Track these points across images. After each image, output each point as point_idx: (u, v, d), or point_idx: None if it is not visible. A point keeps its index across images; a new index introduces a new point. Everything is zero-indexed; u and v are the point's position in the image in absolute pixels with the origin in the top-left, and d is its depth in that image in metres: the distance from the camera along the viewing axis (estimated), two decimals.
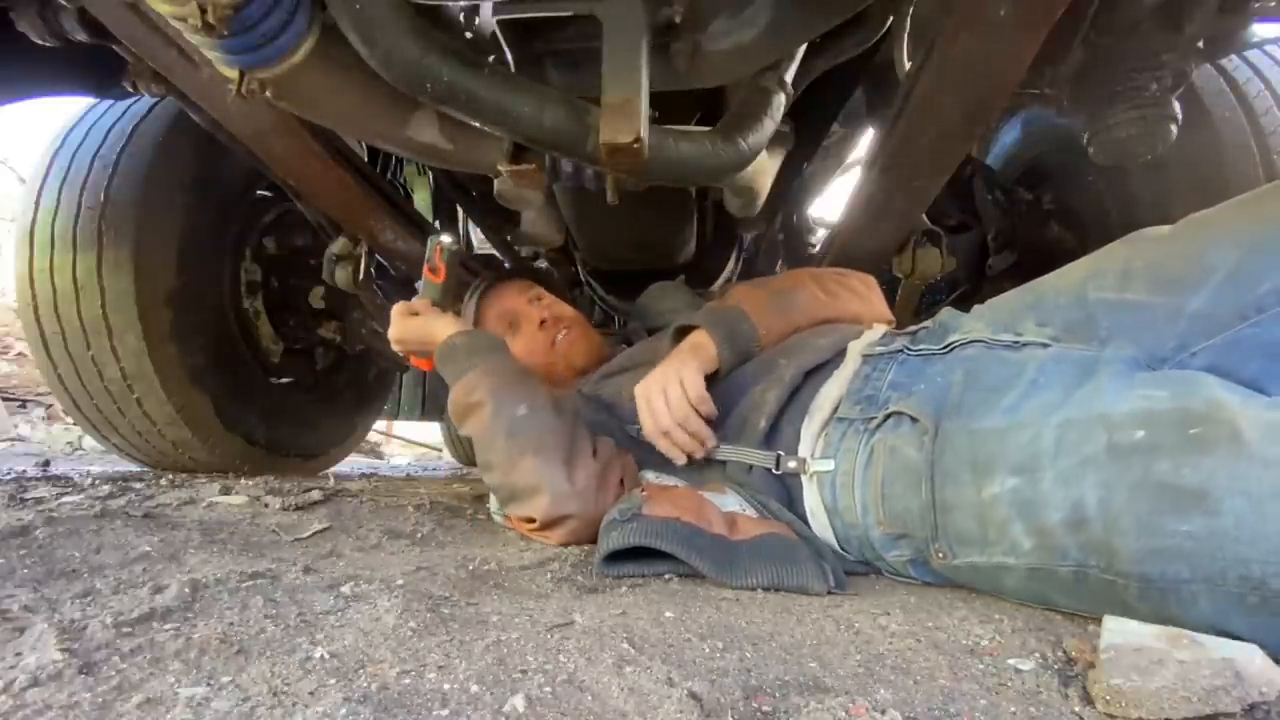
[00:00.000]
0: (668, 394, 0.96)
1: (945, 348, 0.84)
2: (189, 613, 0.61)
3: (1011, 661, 0.55)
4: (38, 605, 0.61)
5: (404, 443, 6.52)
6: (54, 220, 1.42)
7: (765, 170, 1.44)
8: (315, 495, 1.24)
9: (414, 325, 1.14)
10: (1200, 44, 0.99)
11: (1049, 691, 0.50)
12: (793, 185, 1.64)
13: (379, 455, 5.68)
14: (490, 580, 0.77)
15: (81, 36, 1.02)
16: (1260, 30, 1.10)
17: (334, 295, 1.80)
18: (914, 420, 0.77)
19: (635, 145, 0.80)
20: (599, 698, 0.46)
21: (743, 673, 0.51)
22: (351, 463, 3.25)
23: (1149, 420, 0.58)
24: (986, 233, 1.64)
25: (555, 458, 0.94)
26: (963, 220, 1.65)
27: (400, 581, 0.72)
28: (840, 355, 0.96)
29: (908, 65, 0.97)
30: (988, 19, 0.78)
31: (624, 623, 0.60)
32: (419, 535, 1.01)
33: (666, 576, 0.79)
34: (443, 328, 1.11)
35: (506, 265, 2.02)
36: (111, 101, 1.49)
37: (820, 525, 0.86)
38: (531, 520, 0.96)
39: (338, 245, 1.58)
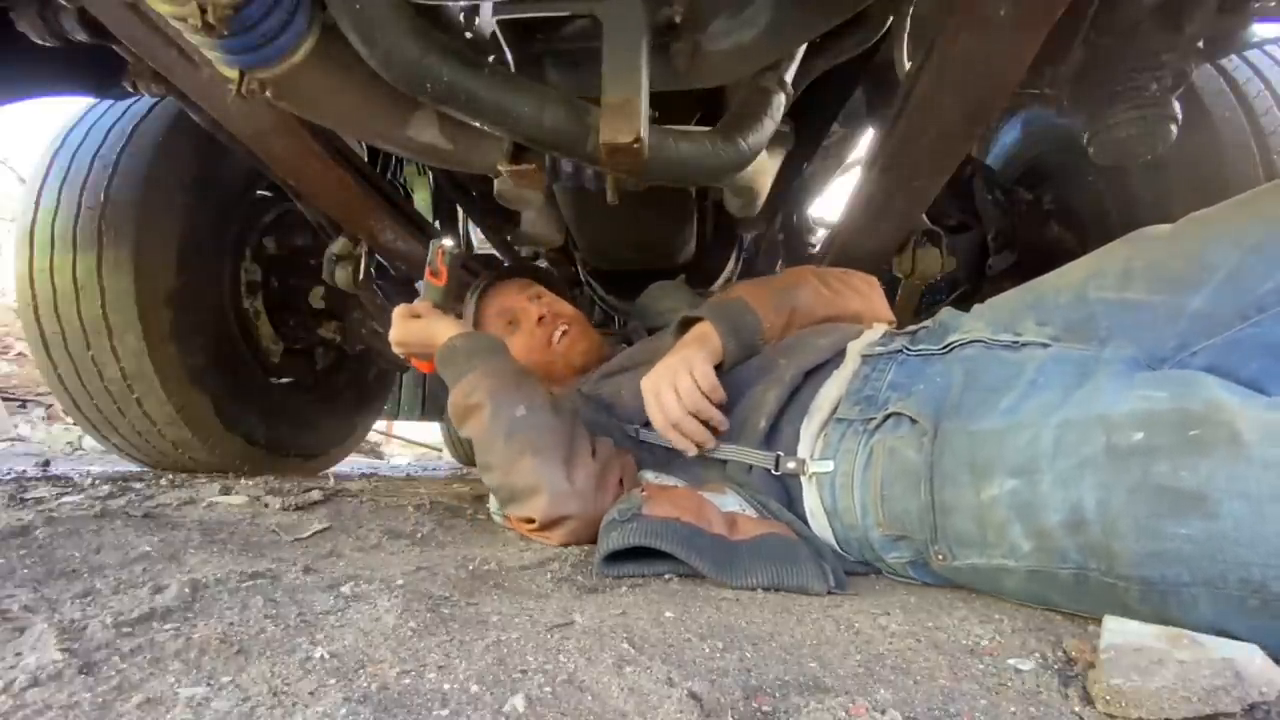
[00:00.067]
0: (678, 384, 0.96)
1: (945, 348, 0.84)
2: (189, 613, 0.61)
3: (1011, 661, 0.55)
4: (38, 605, 0.61)
5: (404, 443, 6.52)
6: (54, 220, 1.42)
7: (765, 170, 1.44)
8: (315, 495, 1.24)
9: (415, 328, 1.14)
10: (1200, 44, 0.99)
11: (1049, 691, 0.50)
12: (793, 185, 1.64)
13: (379, 455, 5.68)
14: (490, 580, 0.77)
15: (81, 36, 1.02)
16: (1260, 30, 1.10)
17: (334, 295, 1.80)
18: (913, 421, 0.77)
19: (635, 145, 0.80)
20: (599, 698, 0.46)
21: (743, 673, 0.51)
22: (351, 463, 3.25)
23: (1148, 421, 0.58)
24: (986, 233, 1.64)
25: (554, 458, 0.94)
26: (963, 220, 1.65)
27: (400, 581, 0.72)
28: (840, 355, 0.96)
29: (908, 65, 0.97)
30: (988, 19, 0.78)
31: (624, 623, 0.60)
32: (419, 535, 1.01)
33: (666, 576, 0.79)
34: (444, 330, 1.11)
35: (507, 265, 2.02)
36: (111, 101, 1.49)
37: (820, 526, 0.86)
38: (531, 521, 0.96)
39: (338, 245, 1.58)
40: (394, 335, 1.15)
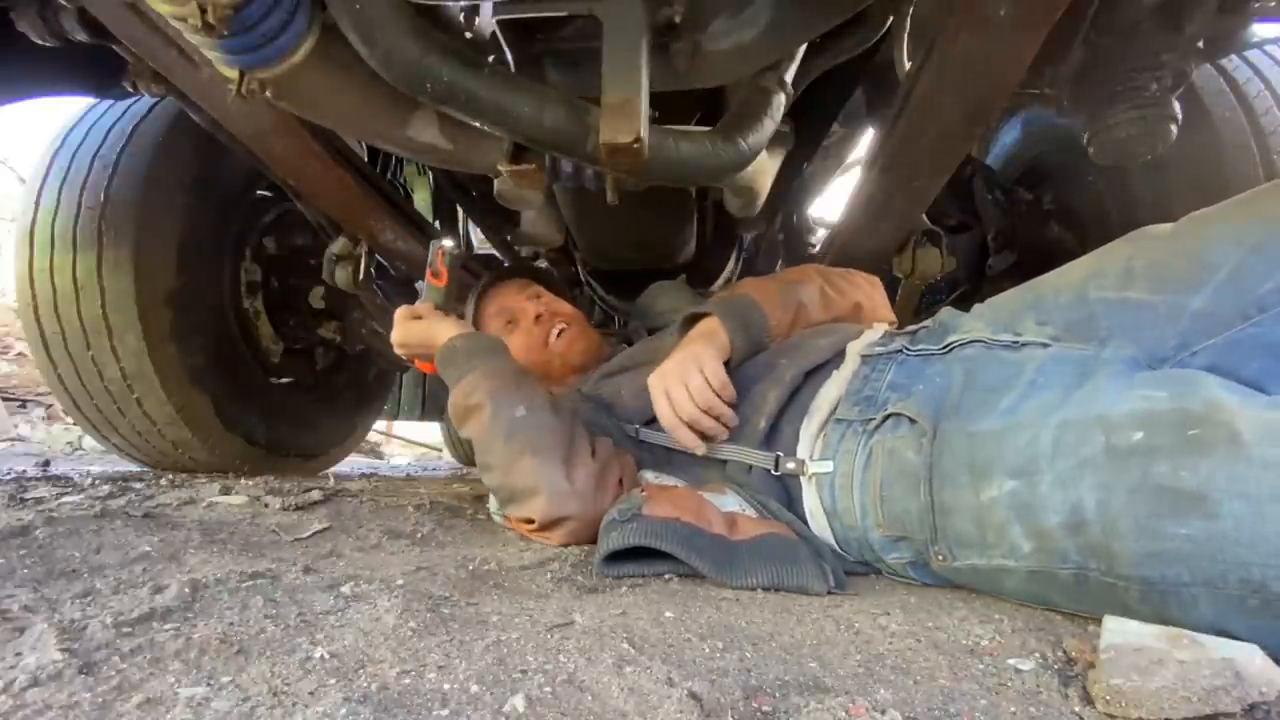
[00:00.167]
0: (689, 381, 0.94)
1: (944, 348, 0.84)
2: (189, 613, 0.61)
3: (1011, 661, 0.55)
4: (38, 605, 0.61)
5: (404, 443, 6.52)
6: (54, 220, 1.42)
7: (765, 170, 1.44)
8: (315, 495, 1.24)
9: (416, 329, 1.14)
10: (1200, 44, 0.99)
11: (1049, 691, 0.50)
12: (793, 185, 1.64)
13: (379, 455, 5.68)
14: (490, 580, 0.77)
15: (81, 36, 1.02)
16: (1260, 30, 1.10)
17: (334, 295, 1.80)
18: (912, 421, 0.77)
19: (635, 145, 0.80)
20: (599, 698, 0.46)
21: (743, 673, 0.51)
22: (351, 463, 3.25)
23: (1147, 421, 0.58)
24: (986, 233, 1.64)
25: (553, 458, 0.94)
26: (963, 220, 1.65)
27: (400, 581, 0.72)
28: (840, 356, 0.96)
29: (908, 65, 0.97)
30: (988, 19, 0.78)
31: (624, 623, 0.60)
32: (419, 535, 1.01)
33: (666, 576, 0.79)
34: (444, 330, 1.11)
35: (506, 265, 2.02)
36: (111, 101, 1.49)
37: (819, 526, 0.86)
38: (530, 521, 0.96)
39: (338, 245, 1.58)
40: (395, 336, 1.16)
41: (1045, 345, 0.75)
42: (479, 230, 2.23)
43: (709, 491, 0.91)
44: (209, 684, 0.47)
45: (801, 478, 0.87)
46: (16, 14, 1.01)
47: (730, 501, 0.89)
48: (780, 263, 2.20)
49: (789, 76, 0.99)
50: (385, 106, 0.90)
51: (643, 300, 1.52)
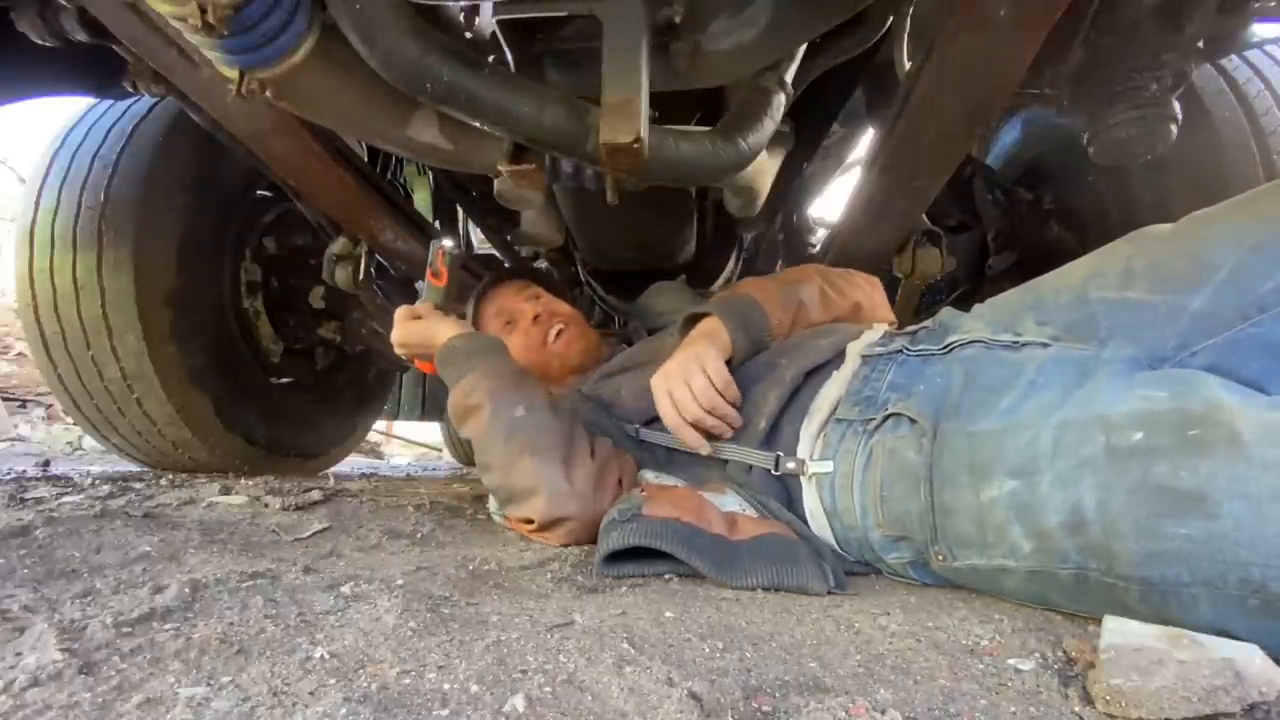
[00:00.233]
0: (691, 381, 0.94)
1: (945, 348, 0.84)
2: (189, 613, 0.61)
3: (1011, 661, 0.55)
4: (38, 605, 0.61)
5: (404, 443, 6.52)
6: (54, 220, 1.42)
7: (765, 170, 1.44)
8: (315, 495, 1.24)
9: (416, 328, 1.14)
10: (1200, 44, 0.99)
11: (1049, 691, 0.50)
12: (793, 185, 1.64)
13: (379, 455, 5.68)
14: (490, 580, 0.77)
15: (81, 36, 1.02)
16: (1260, 30, 1.10)
17: (334, 295, 1.80)
18: (913, 422, 0.77)
19: (635, 145, 0.80)
20: (599, 698, 0.46)
21: (743, 673, 0.51)
22: (351, 463, 3.25)
23: (1147, 421, 0.58)
24: (986, 233, 1.64)
25: (553, 458, 0.94)
26: (963, 220, 1.65)
27: (400, 581, 0.72)
28: (840, 356, 0.96)
29: (908, 65, 0.97)
30: (988, 19, 0.78)
31: (624, 623, 0.60)
32: (419, 535, 1.01)
33: (666, 576, 0.79)
34: (444, 330, 1.11)
35: (507, 265, 2.02)
36: (111, 101, 1.49)
37: (819, 526, 0.86)
38: (530, 521, 0.96)
39: (338, 245, 1.58)
40: (395, 336, 1.16)
41: (1045, 345, 0.75)
42: (479, 230, 2.23)
43: (709, 491, 0.91)
44: (209, 684, 0.47)
45: (801, 477, 0.87)
46: (16, 14, 1.01)
47: (730, 501, 0.89)
48: (780, 263, 2.20)
49: (789, 76, 0.99)
50: (385, 106, 0.90)
51: (642, 301, 1.52)
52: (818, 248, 1.95)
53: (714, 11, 0.85)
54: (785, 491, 0.91)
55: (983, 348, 0.80)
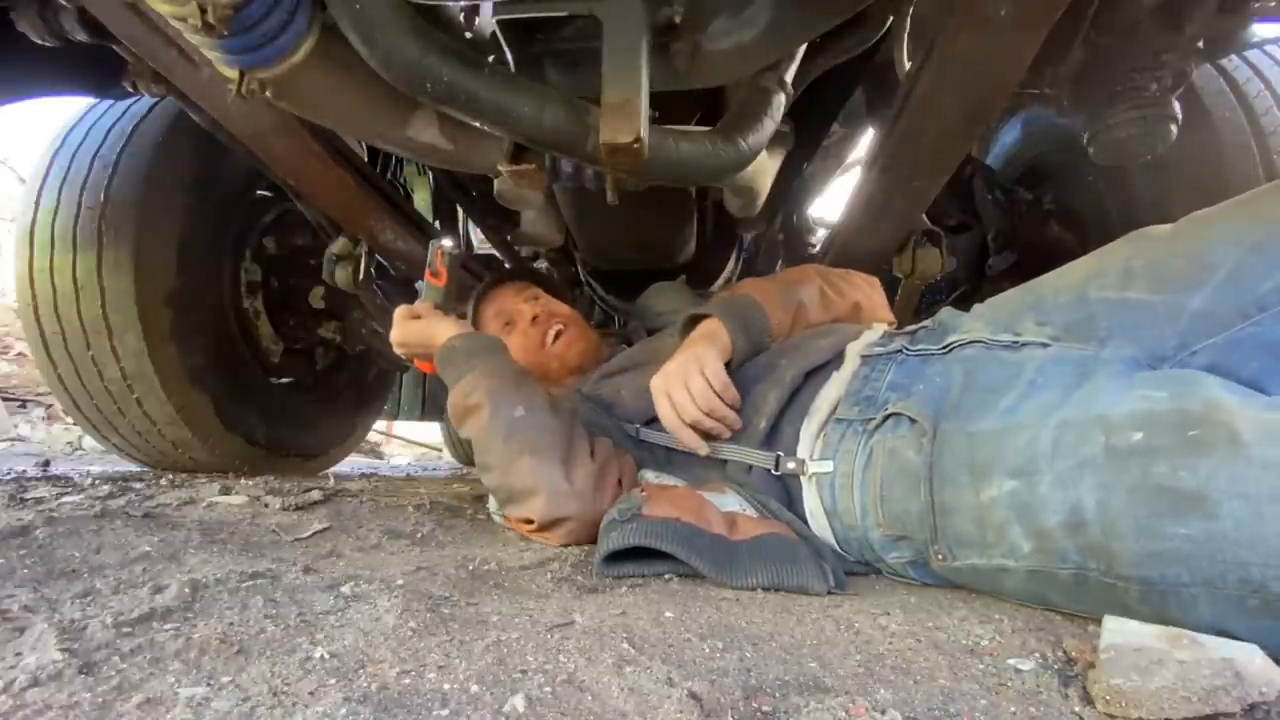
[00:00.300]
0: (690, 384, 0.94)
1: (944, 348, 0.84)
2: (189, 613, 0.61)
3: (1011, 661, 0.55)
4: (38, 605, 0.61)
5: (404, 443, 6.52)
6: (54, 220, 1.42)
7: (765, 170, 1.44)
8: (315, 495, 1.24)
9: (416, 328, 1.14)
10: (1200, 44, 0.99)
11: (1049, 691, 0.50)
12: (793, 185, 1.64)
13: (379, 455, 5.68)
14: (490, 580, 0.77)
15: (81, 36, 1.02)
16: (1260, 30, 1.10)
17: (334, 295, 1.80)
18: (912, 421, 0.77)
19: (635, 145, 0.80)
20: (599, 698, 0.46)
21: (743, 673, 0.51)
22: (351, 463, 3.25)
23: (1147, 422, 0.58)
24: (986, 233, 1.64)
25: (552, 458, 0.94)
26: (963, 220, 1.65)
27: (400, 581, 0.72)
28: (840, 357, 0.96)
29: (908, 65, 0.97)
30: (988, 19, 0.78)
31: (624, 623, 0.60)
32: (419, 535, 1.01)
33: (666, 576, 0.79)
34: (444, 330, 1.11)
35: (507, 266, 2.02)
36: (111, 101, 1.49)
37: (819, 526, 0.86)
38: (530, 521, 0.96)
39: (338, 245, 1.58)
40: (394, 336, 1.16)
41: (1045, 345, 0.75)
42: (479, 230, 2.23)
43: (709, 491, 0.91)
44: (209, 684, 0.47)
45: (802, 477, 0.87)
46: (16, 14, 1.01)
47: (730, 501, 0.89)
48: (780, 263, 2.20)
49: (789, 76, 0.99)
50: (385, 106, 0.90)
51: (641, 301, 1.52)
52: (818, 248, 1.95)
53: (714, 11, 0.85)
54: (785, 491, 0.91)
55: (982, 348, 0.80)
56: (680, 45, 0.86)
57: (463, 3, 0.83)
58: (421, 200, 2.12)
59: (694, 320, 1.07)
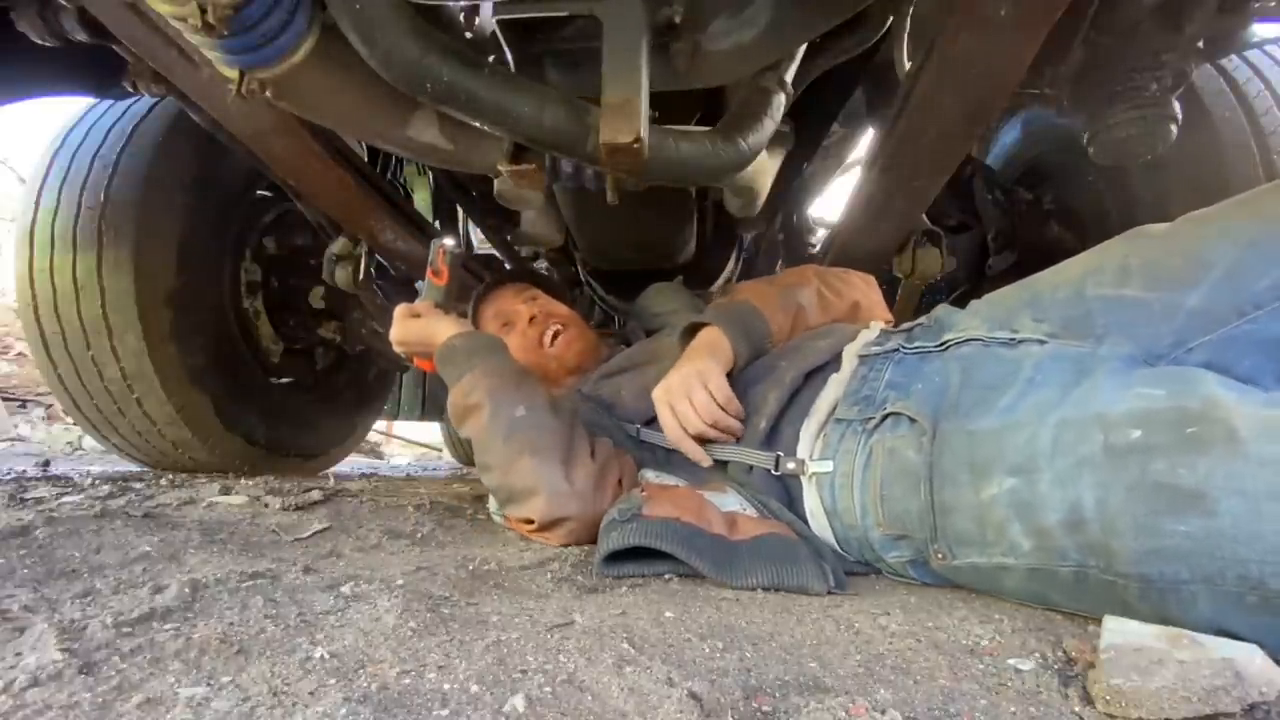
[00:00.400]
0: (694, 397, 0.95)
1: (941, 345, 0.84)
2: (189, 613, 0.61)
3: (1011, 661, 0.55)
4: (38, 605, 0.61)
5: (404, 443, 6.52)
6: (54, 220, 1.42)
7: (765, 170, 1.44)
8: (315, 495, 1.24)
9: (416, 327, 1.14)
10: (1200, 44, 0.99)
11: (1049, 691, 0.50)
12: (793, 185, 1.64)
13: (379, 455, 5.68)
14: (490, 580, 0.77)
15: (81, 36, 1.02)
16: (1260, 30, 1.10)
17: (334, 295, 1.80)
18: (912, 421, 0.77)
19: (635, 145, 0.80)
20: (599, 698, 0.46)
21: (743, 673, 0.51)
22: (351, 463, 3.25)
23: (1145, 419, 0.58)
24: (986, 233, 1.64)
25: (552, 458, 0.94)
26: (963, 220, 1.65)
27: (400, 581, 0.72)
28: (839, 357, 0.96)
29: (908, 65, 0.97)
30: (988, 19, 0.78)
31: (624, 623, 0.60)
32: (419, 535, 1.01)
33: (666, 576, 0.79)
34: (444, 329, 1.11)
35: (507, 266, 2.02)
36: (111, 101, 1.49)
37: (820, 526, 0.86)
38: (530, 521, 0.96)
39: (338, 245, 1.58)
40: (394, 334, 1.16)
41: (1042, 342, 0.75)
42: (479, 230, 2.23)
43: (709, 491, 0.91)
44: (209, 684, 0.47)
45: (802, 477, 0.87)
46: (16, 14, 1.01)
47: (731, 501, 0.89)
48: (780, 263, 2.20)
49: (789, 76, 0.99)
50: (385, 106, 0.90)
51: (640, 302, 1.52)
52: (818, 248, 1.95)
53: (714, 11, 0.85)
54: (785, 491, 0.91)
55: (979, 345, 0.80)
56: (680, 45, 0.86)
57: (463, 3, 0.83)
58: (421, 200, 2.12)
59: (694, 328, 1.07)
